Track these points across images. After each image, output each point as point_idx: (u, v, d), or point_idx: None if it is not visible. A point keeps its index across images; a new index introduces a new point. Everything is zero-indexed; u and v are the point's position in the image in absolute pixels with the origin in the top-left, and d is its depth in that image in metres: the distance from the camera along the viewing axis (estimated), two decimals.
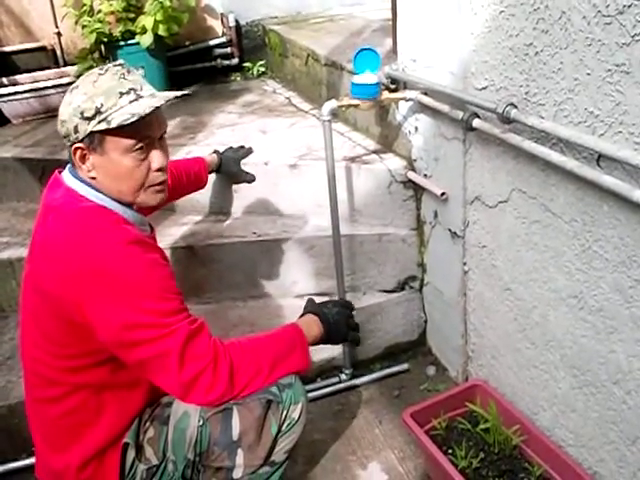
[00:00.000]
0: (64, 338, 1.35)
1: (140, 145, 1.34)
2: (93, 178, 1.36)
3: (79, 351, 1.35)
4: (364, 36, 3.10)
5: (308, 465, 1.93)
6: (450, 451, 1.75)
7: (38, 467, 1.53)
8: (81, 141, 1.32)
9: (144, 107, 1.31)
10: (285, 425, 1.46)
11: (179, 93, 1.41)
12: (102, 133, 1.31)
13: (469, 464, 1.69)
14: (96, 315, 1.27)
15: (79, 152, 1.34)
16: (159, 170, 1.39)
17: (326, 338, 1.60)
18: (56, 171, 1.45)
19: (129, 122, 1.29)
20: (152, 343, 1.27)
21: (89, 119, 1.30)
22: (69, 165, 1.42)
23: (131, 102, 1.32)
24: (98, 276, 1.25)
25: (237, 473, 1.42)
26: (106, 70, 1.34)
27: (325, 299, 2.27)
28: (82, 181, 1.37)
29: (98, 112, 1.30)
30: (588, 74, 1.29)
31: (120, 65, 1.36)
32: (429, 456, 1.69)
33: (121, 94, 1.32)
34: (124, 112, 1.30)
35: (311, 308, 1.67)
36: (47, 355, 1.38)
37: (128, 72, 1.36)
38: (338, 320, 1.63)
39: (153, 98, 1.35)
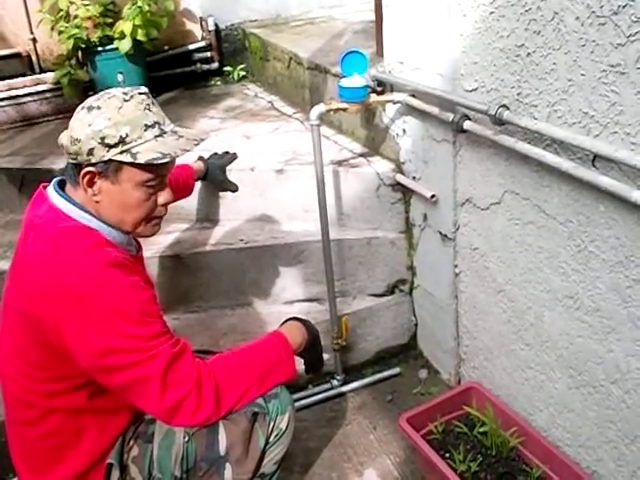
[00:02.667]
0: (39, 360, 1.31)
1: (155, 181, 1.33)
2: (97, 202, 1.33)
3: (54, 375, 1.31)
4: (346, 38, 3.08)
5: (304, 474, 1.91)
6: (447, 455, 1.74)
7: None
8: (93, 165, 1.28)
9: (174, 148, 1.31)
10: (273, 436, 1.45)
11: (203, 136, 1.42)
12: (120, 163, 1.28)
13: (467, 468, 1.68)
14: (74, 340, 1.23)
15: (89, 176, 1.30)
16: (163, 205, 1.39)
17: (309, 347, 1.58)
18: (41, 186, 1.40)
19: (160, 162, 1.28)
20: (132, 368, 1.24)
21: (110, 146, 1.26)
22: (55, 180, 1.38)
23: (156, 137, 1.30)
24: (76, 300, 1.22)
25: None
26: (131, 97, 1.30)
27: (315, 305, 2.29)
28: (67, 199, 1.33)
29: (122, 141, 1.26)
30: (582, 75, 1.29)
31: (145, 94, 1.33)
32: (427, 461, 1.68)
33: (146, 127, 1.29)
34: (151, 148, 1.28)
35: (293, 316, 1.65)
36: (22, 376, 1.34)
37: (152, 103, 1.34)
38: (318, 334, 1.63)
39: (179, 137, 1.34)
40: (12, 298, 1.33)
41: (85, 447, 1.38)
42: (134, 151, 1.27)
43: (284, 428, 1.46)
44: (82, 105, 1.32)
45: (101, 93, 1.33)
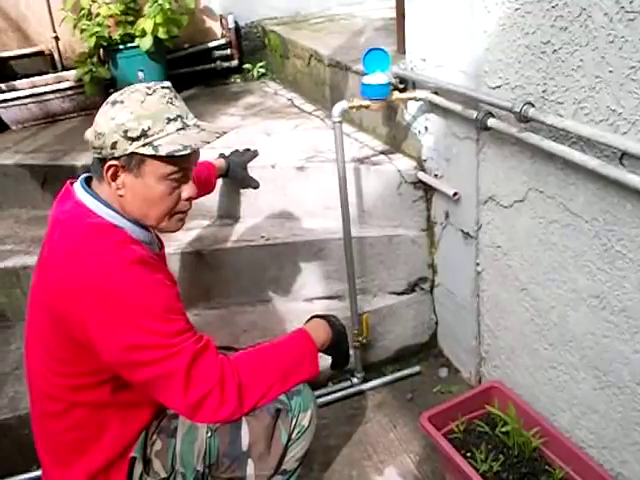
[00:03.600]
0: (65, 355, 1.32)
1: (178, 175, 1.34)
2: (121, 196, 1.34)
3: (79, 370, 1.33)
4: (366, 36, 3.07)
5: (323, 471, 1.91)
6: (469, 454, 1.73)
7: None
8: (117, 158, 1.29)
9: (195, 140, 1.31)
10: (295, 433, 1.44)
11: (225, 129, 1.42)
12: (143, 156, 1.29)
13: (489, 467, 1.66)
14: (99, 336, 1.24)
15: (112, 169, 1.31)
16: (187, 199, 1.39)
17: (334, 345, 1.57)
18: (67, 182, 1.41)
19: (180, 154, 1.28)
20: (157, 364, 1.25)
21: (133, 139, 1.27)
22: (82, 177, 1.39)
23: (178, 130, 1.31)
24: (101, 297, 1.23)
25: None
26: (154, 91, 1.31)
27: (335, 302, 2.29)
28: (94, 195, 1.35)
29: (144, 134, 1.27)
30: (610, 71, 1.27)
31: (168, 88, 1.34)
32: (449, 460, 1.67)
33: (169, 120, 1.30)
34: (172, 141, 1.29)
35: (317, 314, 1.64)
36: (47, 370, 1.36)
37: (175, 97, 1.34)
38: (344, 331, 1.62)
39: (201, 131, 1.35)
40: (39, 293, 1.35)
41: (108, 441, 1.39)
42: (156, 144, 1.28)
43: (306, 425, 1.46)
44: (107, 100, 1.34)
45: (125, 88, 1.34)
